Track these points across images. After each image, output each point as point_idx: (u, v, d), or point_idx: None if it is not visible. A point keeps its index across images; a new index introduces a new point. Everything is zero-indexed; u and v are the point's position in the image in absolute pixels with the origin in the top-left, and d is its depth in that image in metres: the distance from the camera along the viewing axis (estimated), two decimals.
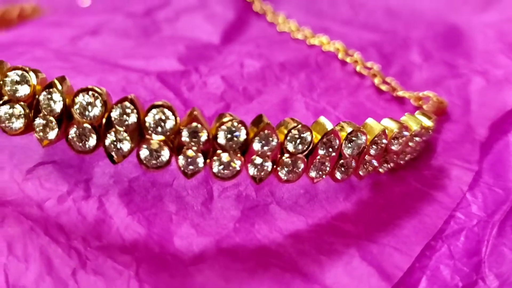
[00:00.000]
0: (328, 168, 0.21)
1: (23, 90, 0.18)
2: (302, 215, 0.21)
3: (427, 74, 0.30)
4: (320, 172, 0.21)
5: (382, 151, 0.22)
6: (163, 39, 0.31)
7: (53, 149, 0.22)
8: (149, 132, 0.18)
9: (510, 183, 0.24)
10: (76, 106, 0.18)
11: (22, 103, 0.18)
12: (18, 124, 0.18)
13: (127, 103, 0.18)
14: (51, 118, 0.18)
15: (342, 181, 0.21)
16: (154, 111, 0.18)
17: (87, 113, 0.18)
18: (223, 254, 0.19)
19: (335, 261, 0.19)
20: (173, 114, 0.18)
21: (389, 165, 0.23)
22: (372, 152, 0.21)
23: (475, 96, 0.29)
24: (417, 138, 0.23)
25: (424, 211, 0.22)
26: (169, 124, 0.18)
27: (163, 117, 0.18)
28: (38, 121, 0.18)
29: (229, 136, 0.18)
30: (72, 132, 0.18)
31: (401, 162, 0.24)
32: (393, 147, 0.22)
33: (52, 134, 0.18)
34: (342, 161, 0.21)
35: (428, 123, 0.24)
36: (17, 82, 0.18)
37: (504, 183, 0.24)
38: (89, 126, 0.18)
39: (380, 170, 0.23)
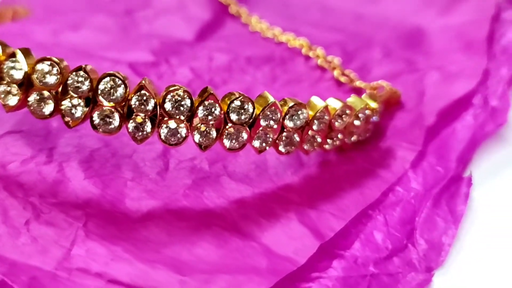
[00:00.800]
0: (271, 139, 0.22)
1: None
2: (250, 186, 0.23)
3: (386, 70, 0.32)
4: (264, 143, 0.22)
5: (326, 127, 0.23)
6: (139, 36, 0.34)
7: (22, 120, 0.24)
8: (101, 98, 0.20)
9: (451, 163, 0.25)
10: (36, 74, 0.20)
11: None
12: None
13: (81, 72, 0.20)
14: (14, 85, 0.20)
15: (286, 153, 0.23)
16: (106, 79, 0.20)
17: (45, 80, 0.20)
18: (169, 214, 0.21)
19: (273, 223, 0.21)
20: (123, 82, 0.20)
21: (334, 143, 0.24)
22: (314, 127, 0.23)
23: (429, 88, 0.30)
24: (361, 117, 0.25)
25: (367, 185, 0.24)
26: (120, 91, 0.20)
27: (114, 85, 0.20)
28: (1, 88, 0.20)
29: (175, 104, 0.20)
30: (32, 98, 0.20)
31: (349, 142, 0.25)
32: (336, 124, 0.24)
33: (13, 101, 0.20)
34: (285, 133, 0.22)
35: (373, 105, 0.26)
36: None
37: (445, 163, 0.25)
38: (47, 93, 0.20)
39: (326, 146, 0.24)
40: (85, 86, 0.20)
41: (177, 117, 0.20)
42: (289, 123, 0.22)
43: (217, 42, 0.34)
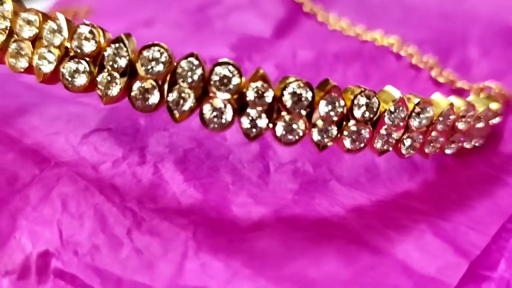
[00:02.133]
0: (394, 141, 0.20)
1: (90, 46, 0.18)
2: (364, 192, 0.20)
3: (486, 69, 0.29)
4: (386, 145, 0.19)
5: (450, 128, 0.21)
6: (215, 32, 0.32)
7: (108, 117, 0.22)
8: (213, 89, 0.18)
9: None
10: (141, 61, 0.18)
11: (87, 59, 0.18)
12: (82, 80, 0.18)
13: (192, 59, 0.18)
14: (115, 73, 0.18)
15: (407, 156, 0.20)
16: (219, 68, 0.18)
17: (151, 68, 0.18)
18: (283, 223, 0.18)
19: (404, 236, 0.18)
20: (238, 72, 0.18)
21: (457, 145, 0.21)
22: (439, 127, 0.20)
23: None
24: (483, 120, 0.22)
25: (496, 193, 0.21)
26: (234, 81, 0.18)
27: (229, 74, 0.18)
28: (102, 77, 0.18)
29: (294, 98, 0.18)
30: (135, 88, 0.18)
31: (468, 146, 0.23)
32: (460, 125, 0.21)
33: (115, 90, 0.18)
34: (408, 134, 0.20)
35: (494, 106, 0.23)
36: (85, 38, 0.18)
37: None
38: (153, 83, 0.18)
39: (447, 151, 0.21)
40: (196, 76, 0.18)
41: (296, 112, 0.18)
42: (414, 122, 0.19)
43: (298, 39, 0.32)
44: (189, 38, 0.30)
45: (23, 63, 0.19)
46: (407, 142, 0.20)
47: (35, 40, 0.19)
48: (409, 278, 0.16)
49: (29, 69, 0.19)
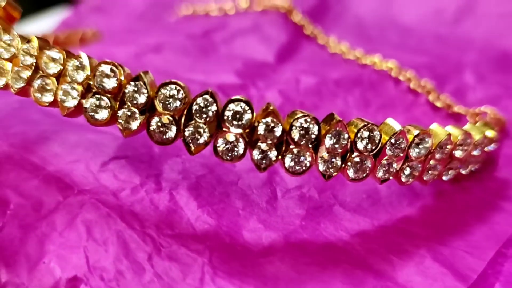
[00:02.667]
0: (394, 170, 0.21)
1: (111, 83, 0.19)
2: (367, 217, 0.22)
3: (481, 94, 0.31)
4: (387, 174, 0.21)
5: (447, 156, 0.22)
6: (220, 57, 0.33)
7: (125, 146, 0.23)
8: (227, 124, 0.19)
9: None
10: (160, 98, 0.19)
11: (108, 95, 0.19)
12: (104, 114, 0.19)
13: (207, 96, 0.19)
14: (135, 109, 0.19)
15: (406, 184, 0.21)
16: (232, 104, 0.19)
17: (169, 105, 0.19)
18: (292, 248, 0.20)
19: (405, 260, 0.19)
20: (250, 108, 0.19)
21: (454, 172, 0.23)
22: (437, 156, 0.21)
23: None
24: (480, 147, 0.23)
25: (492, 219, 0.22)
26: (246, 117, 0.19)
27: (241, 110, 0.19)
28: (122, 112, 0.19)
29: (302, 131, 0.19)
30: (154, 123, 0.19)
31: (464, 172, 0.24)
32: (457, 154, 0.22)
33: (134, 125, 0.19)
34: (408, 163, 0.21)
35: (490, 133, 0.24)
36: (107, 76, 0.19)
37: None
38: (170, 118, 0.19)
39: (444, 178, 0.23)
40: (211, 112, 0.19)
41: (303, 144, 0.19)
42: (413, 153, 0.21)
43: (299, 64, 0.33)
44: (196, 63, 0.32)
45: (48, 98, 0.20)
46: (407, 171, 0.21)
47: (60, 76, 0.20)
48: None
49: (54, 103, 0.20)
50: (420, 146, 0.21)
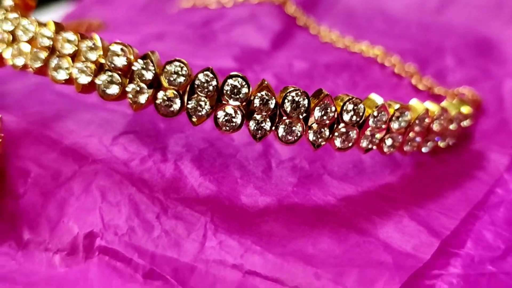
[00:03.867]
0: (377, 141, 0.23)
1: (121, 61, 0.21)
2: (352, 184, 0.24)
3: (460, 77, 0.33)
4: (370, 144, 0.23)
5: (425, 129, 0.24)
6: (219, 45, 0.35)
7: (133, 122, 0.25)
8: (226, 98, 0.21)
9: None
10: (165, 74, 0.21)
11: (119, 72, 0.21)
12: (115, 90, 0.21)
13: (208, 72, 0.21)
14: (143, 85, 0.21)
15: (388, 154, 0.24)
16: (231, 80, 0.21)
17: (174, 80, 0.21)
18: (285, 210, 0.22)
19: (386, 220, 0.22)
20: (247, 83, 0.21)
21: (432, 144, 0.25)
22: (416, 129, 0.24)
23: (509, 96, 0.31)
24: (455, 122, 0.26)
25: (466, 185, 0.24)
26: (243, 91, 0.21)
27: (238, 85, 0.21)
28: (131, 87, 0.21)
29: (293, 104, 0.21)
30: (160, 97, 0.21)
31: (442, 145, 0.26)
32: (434, 127, 0.24)
33: (142, 99, 0.21)
34: (389, 135, 0.23)
35: (465, 110, 0.26)
36: (117, 54, 0.21)
37: None
38: (175, 92, 0.21)
39: (423, 149, 0.25)
40: (211, 86, 0.21)
41: (295, 116, 0.21)
42: (394, 125, 0.23)
43: (293, 51, 0.35)
44: (196, 50, 0.34)
45: (63, 76, 0.22)
46: (388, 141, 0.23)
47: (74, 56, 0.22)
48: (389, 254, 0.20)
49: (69, 81, 0.22)
50: (400, 119, 0.23)
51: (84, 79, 0.22)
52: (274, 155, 0.25)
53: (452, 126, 0.25)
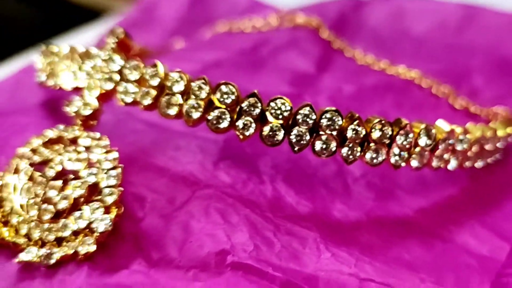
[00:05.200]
0: (444, 160, 0.27)
1: (229, 99, 0.24)
2: (422, 197, 0.27)
3: (490, 95, 0.37)
4: (440, 163, 0.27)
5: (481, 149, 0.28)
6: (270, 70, 0.38)
7: (225, 148, 0.28)
8: (323, 128, 0.24)
9: None
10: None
11: (228, 108, 0.24)
12: (225, 124, 0.24)
13: (308, 108, 0.24)
14: (250, 119, 0.24)
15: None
16: (327, 114, 0.24)
17: (279, 115, 0.24)
18: (372, 222, 0.25)
19: (460, 228, 0.25)
20: (341, 116, 0.24)
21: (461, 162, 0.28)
22: (473, 149, 0.27)
23: None
24: (503, 140, 0.29)
25: None
26: (338, 123, 0.24)
27: (334, 118, 0.24)
28: (241, 123, 0.24)
29: (380, 132, 0.25)
30: (266, 130, 0.24)
31: (489, 161, 0.30)
32: (487, 147, 0.28)
33: (250, 131, 0.24)
34: (454, 155, 0.27)
35: (509, 130, 0.30)
36: (226, 93, 0.24)
37: None
38: (279, 125, 0.24)
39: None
40: (311, 120, 0.24)
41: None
42: (458, 147, 0.27)
43: (336, 74, 0.38)
44: (253, 76, 0.37)
45: (174, 112, 0.25)
46: (453, 161, 0.27)
47: (184, 94, 0.25)
48: (472, 258, 0.24)
49: (179, 116, 0.25)
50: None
51: (196, 114, 0.25)
52: (349, 173, 0.29)
53: (499, 144, 0.29)
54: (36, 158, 0.26)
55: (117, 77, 0.26)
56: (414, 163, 0.26)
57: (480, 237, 0.25)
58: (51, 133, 0.27)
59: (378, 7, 0.46)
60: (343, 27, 0.46)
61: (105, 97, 0.27)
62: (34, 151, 0.26)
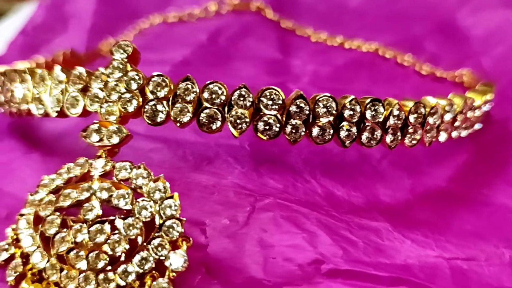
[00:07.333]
0: (435, 134, 0.26)
1: (220, 98, 0.22)
2: (445, 168, 0.28)
3: (449, 59, 0.38)
4: (430, 138, 0.27)
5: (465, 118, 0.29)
6: (239, 60, 0.36)
7: (254, 152, 0.26)
8: (319, 117, 0.23)
9: None
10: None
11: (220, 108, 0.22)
12: (217, 125, 0.22)
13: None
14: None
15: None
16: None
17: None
18: (418, 200, 0.26)
19: (492, 190, 0.27)
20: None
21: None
22: (459, 118, 0.28)
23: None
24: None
25: None
26: (333, 111, 0.23)
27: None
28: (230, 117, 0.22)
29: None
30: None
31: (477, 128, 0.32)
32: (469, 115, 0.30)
33: (186, 118, 0.22)
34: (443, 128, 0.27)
35: (489, 97, 0.32)
36: (215, 92, 0.22)
37: None
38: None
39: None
40: (307, 111, 0.22)
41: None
42: (446, 118, 0.27)
43: (302, 57, 0.38)
44: (225, 69, 0.35)
45: (160, 118, 0.22)
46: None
47: (168, 100, 0.22)
48: None
49: (166, 121, 0.22)
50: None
51: (186, 118, 0.22)
52: (371, 156, 0.29)
53: (478, 112, 0.31)
54: (64, 203, 0.21)
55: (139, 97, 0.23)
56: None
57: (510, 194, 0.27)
58: (77, 170, 0.23)
59: None
60: (280, 7, 0.46)
61: (126, 119, 0.23)
62: (54, 193, 0.22)
